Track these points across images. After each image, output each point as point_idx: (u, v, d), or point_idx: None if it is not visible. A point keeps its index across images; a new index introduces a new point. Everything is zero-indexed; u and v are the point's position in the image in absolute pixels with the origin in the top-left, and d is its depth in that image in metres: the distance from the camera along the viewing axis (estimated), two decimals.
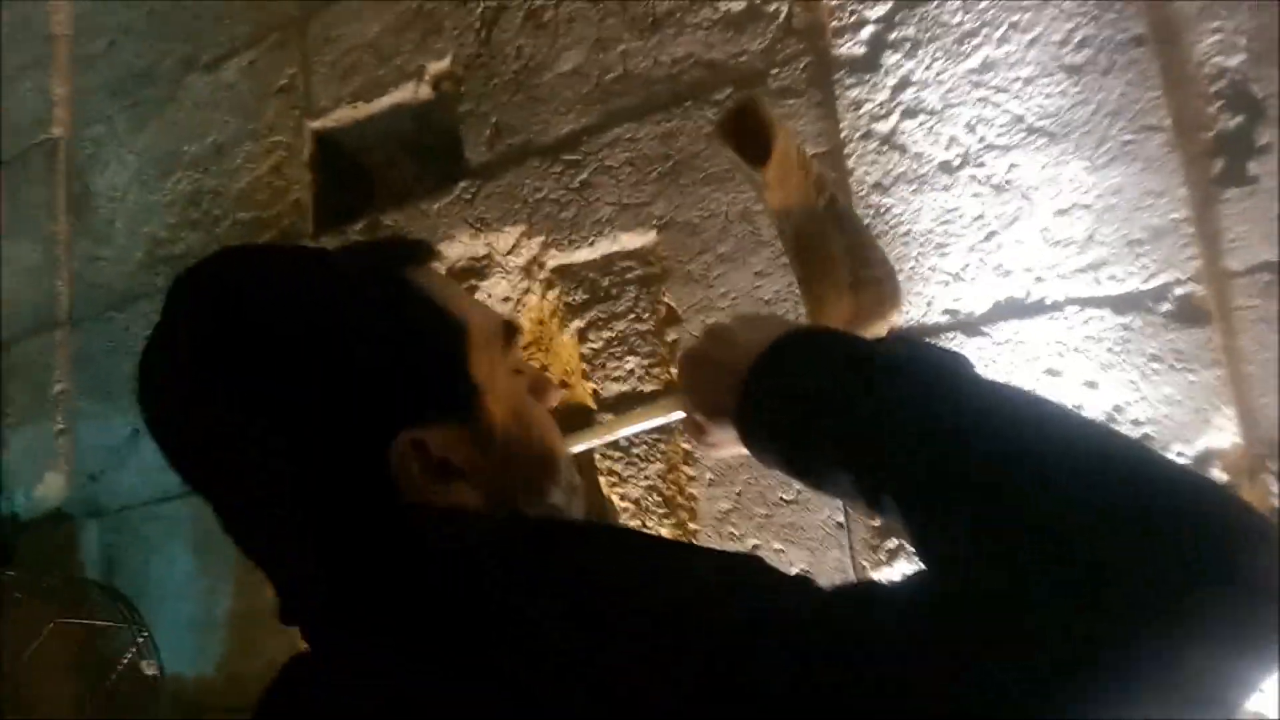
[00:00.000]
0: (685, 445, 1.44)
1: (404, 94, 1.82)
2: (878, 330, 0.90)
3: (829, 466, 0.64)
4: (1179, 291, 1.14)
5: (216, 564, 1.89)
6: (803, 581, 0.57)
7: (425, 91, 1.80)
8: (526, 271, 1.64)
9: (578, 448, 0.88)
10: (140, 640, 1.87)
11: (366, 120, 1.88)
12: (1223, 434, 1.12)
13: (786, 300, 1.38)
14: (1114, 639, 0.45)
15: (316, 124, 1.92)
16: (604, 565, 0.59)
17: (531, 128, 1.64)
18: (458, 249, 1.69)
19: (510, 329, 0.75)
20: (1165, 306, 1.14)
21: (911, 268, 1.28)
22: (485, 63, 1.71)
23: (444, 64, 1.76)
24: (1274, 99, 1.11)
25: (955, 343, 1.25)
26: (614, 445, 1.55)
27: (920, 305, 1.28)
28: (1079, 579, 0.47)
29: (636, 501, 1.51)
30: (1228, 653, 0.46)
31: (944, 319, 1.27)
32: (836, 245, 0.90)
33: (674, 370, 0.89)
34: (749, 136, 0.88)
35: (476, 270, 1.68)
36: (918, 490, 0.57)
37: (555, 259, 1.61)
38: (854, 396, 0.63)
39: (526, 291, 1.64)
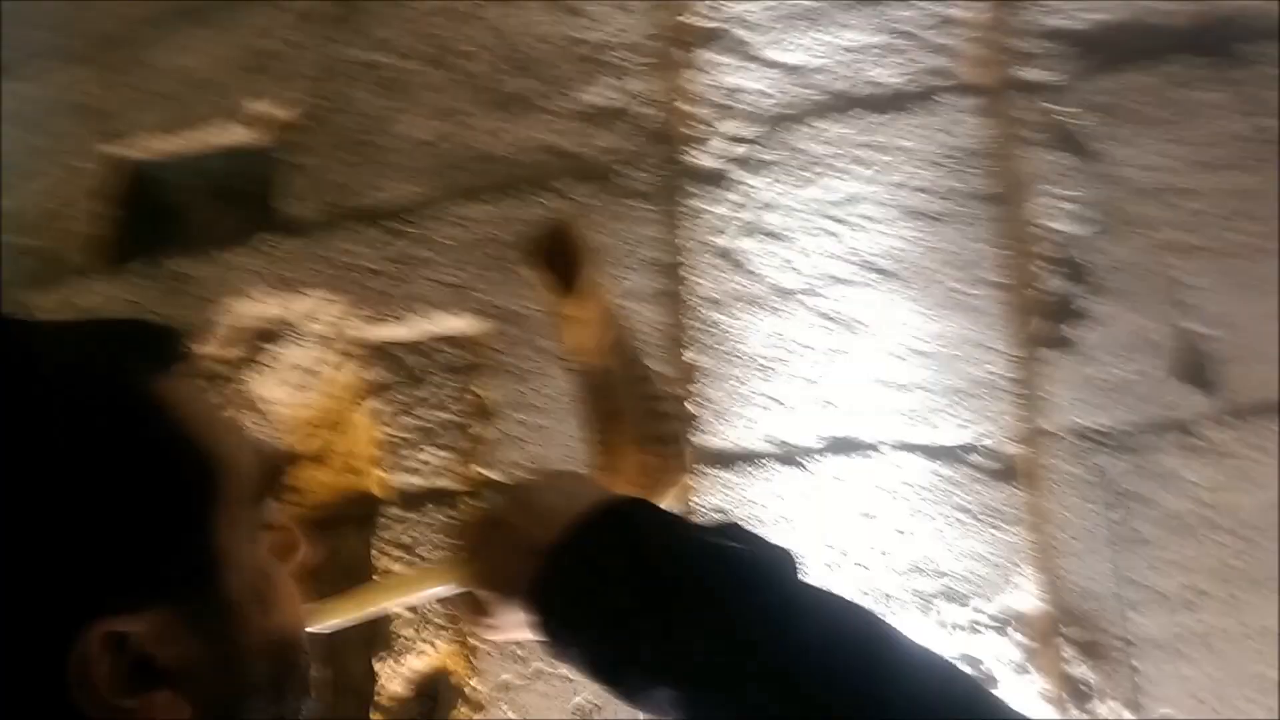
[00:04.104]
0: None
1: (220, 133, 1.73)
2: (665, 491, 0.89)
3: (646, 673, 0.59)
4: (991, 445, 1.19)
5: None
6: None
7: (244, 134, 1.71)
8: (326, 341, 1.55)
9: (327, 626, 0.75)
10: None
11: (175, 156, 1.77)
12: (1023, 594, 1.15)
13: None
14: None
15: (112, 150, 1.79)
16: None
17: (355, 188, 1.58)
18: (250, 306, 1.59)
19: (271, 469, 0.62)
20: (978, 459, 1.19)
21: (737, 389, 1.29)
22: (316, 113, 1.65)
23: (269, 108, 1.69)
24: (1102, 268, 1.19)
25: (773, 471, 1.26)
26: (396, 543, 1.46)
27: (742, 429, 1.28)
28: None
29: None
30: None
31: (765, 445, 1.27)
32: (628, 396, 0.89)
33: (457, 533, 0.81)
34: (558, 260, 0.87)
35: (269, 333, 1.57)
36: (756, 699, 0.55)
37: (360, 331, 1.53)
38: (688, 594, 0.59)
39: (323, 362, 1.55)
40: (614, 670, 0.61)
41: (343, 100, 1.63)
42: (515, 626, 0.69)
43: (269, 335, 1.57)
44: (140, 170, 1.81)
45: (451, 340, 1.49)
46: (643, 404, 0.90)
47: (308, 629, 0.63)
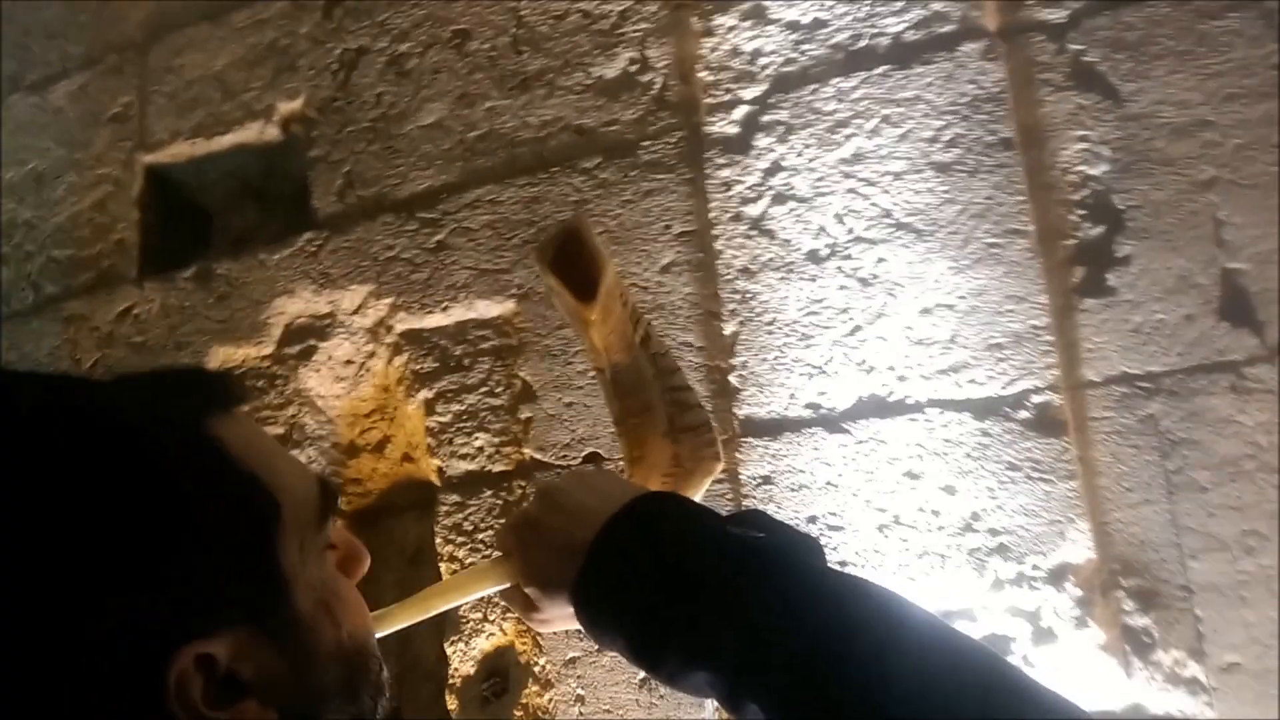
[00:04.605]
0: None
1: (249, 133, 1.76)
2: (700, 479, 0.90)
3: (682, 660, 0.63)
4: (1037, 400, 1.18)
5: None
6: None
7: (273, 133, 1.74)
8: (373, 334, 1.59)
9: (390, 630, 0.81)
10: None
11: (206, 158, 1.81)
12: (1077, 547, 1.15)
13: None
14: None
15: (150, 158, 1.84)
16: None
17: (387, 180, 1.61)
18: (298, 305, 1.63)
19: (328, 494, 0.65)
20: (1023, 414, 1.18)
21: (776, 358, 1.30)
22: (341, 107, 1.67)
23: (296, 105, 1.71)
24: (1135, 211, 1.17)
25: (817, 438, 1.27)
26: (456, 528, 1.50)
27: (783, 397, 1.29)
28: None
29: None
30: None
31: (806, 413, 1.28)
32: (655, 389, 0.90)
33: (499, 536, 0.86)
34: (572, 264, 0.87)
35: (317, 330, 1.62)
36: (783, 702, 0.58)
37: (405, 322, 1.56)
38: (712, 586, 0.63)
39: (371, 355, 1.59)
40: (652, 657, 0.66)
41: (366, 92, 1.65)
42: (563, 619, 0.74)
43: (319, 332, 1.62)
44: (176, 175, 1.86)
45: (492, 325, 1.51)
46: (670, 395, 0.91)
47: (376, 635, 0.69)
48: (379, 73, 1.65)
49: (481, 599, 1.45)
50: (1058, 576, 1.16)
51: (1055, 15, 1.21)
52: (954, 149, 1.24)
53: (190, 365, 1.56)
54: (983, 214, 1.22)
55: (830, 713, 0.57)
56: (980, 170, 1.22)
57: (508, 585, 0.81)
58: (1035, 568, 1.16)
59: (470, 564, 1.49)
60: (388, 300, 1.58)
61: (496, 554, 0.88)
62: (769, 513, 0.72)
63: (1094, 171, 1.19)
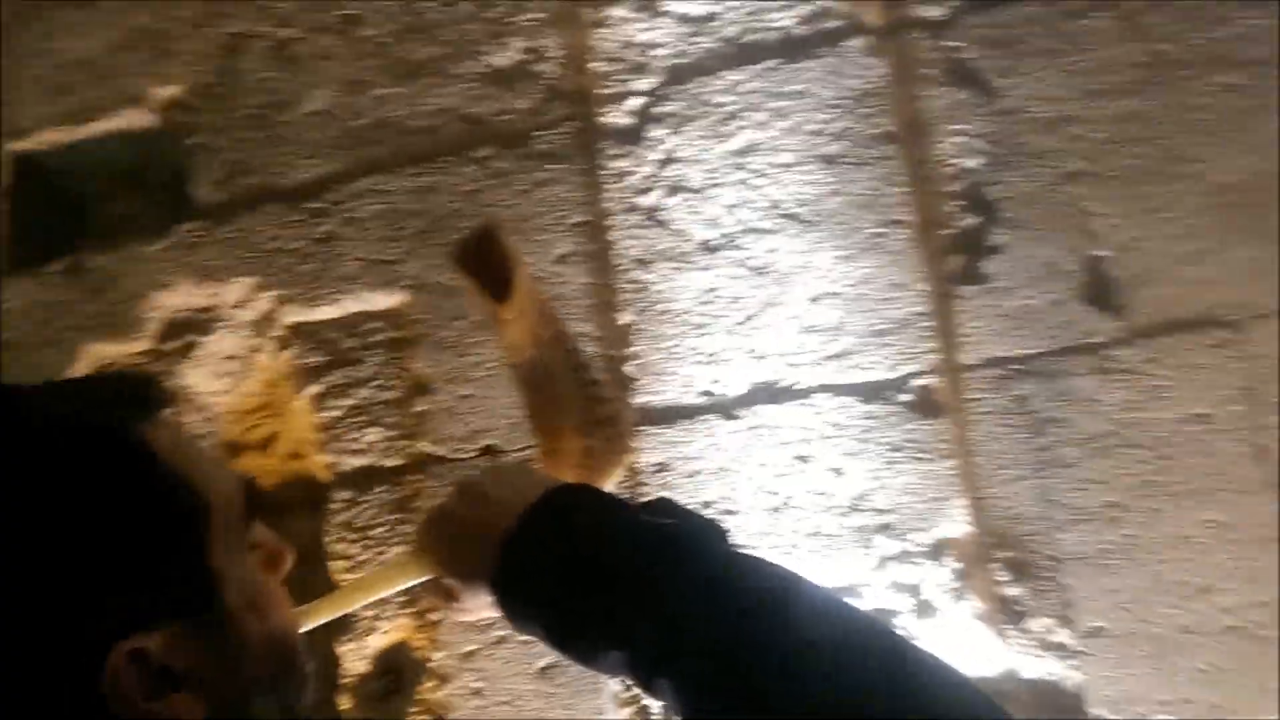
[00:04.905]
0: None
1: (125, 120, 1.70)
2: (611, 470, 0.93)
3: (598, 642, 0.67)
4: (918, 383, 1.23)
5: None
6: None
7: (150, 119, 1.68)
8: (258, 328, 1.56)
9: (313, 624, 0.84)
10: None
11: (78, 146, 1.74)
12: (955, 523, 1.21)
13: None
14: None
15: (17, 146, 1.76)
16: None
17: (271, 169, 1.57)
18: (177, 298, 1.58)
19: (251, 494, 0.69)
20: (906, 397, 1.24)
21: (671, 347, 1.32)
22: (222, 94, 1.62)
23: (174, 91, 1.66)
24: (1008, 202, 1.23)
25: (711, 425, 1.30)
26: (348, 525, 1.48)
27: (678, 386, 1.31)
28: None
29: (360, 577, 1.45)
30: None
31: (701, 400, 1.31)
32: (568, 384, 0.93)
33: (417, 529, 0.89)
34: (486, 265, 0.89)
35: (198, 324, 1.57)
36: (697, 684, 0.62)
37: (292, 315, 1.53)
38: (627, 576, 0.66)
39: (257, 350, 1.56)
40: (570, 643, 0.69)
41: (248, 78, 1.61)
42: (483, 607, 0.77)
43: (200, 327, 1.57)
44: (46, 164, 1.78)
45: (383, 317, 1.50)
46: (582, 390, 0.94)
47: (299, 630, 0.73)
48: (262, 58, 1.61)
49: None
50: (937, 551, 1.21)
51: (934, 13, 1.27)
52: (840, 142, 1.28)
53: (116, 371, 1.55)
54: (867, 205, 1.27)
55: (748, 694, 0.60)
56: (864, 163, 1.27)
57: (427, 578, 0.83)
58: (917, 544, 1.22)
59: (365, 561, 1.48)
60: (273, 293, 1.55)
61: (405, 549, 0.88)
62: (675, 500, 0.76)
63: (970, 164, 1.25)
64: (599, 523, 0.71)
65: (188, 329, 1.58)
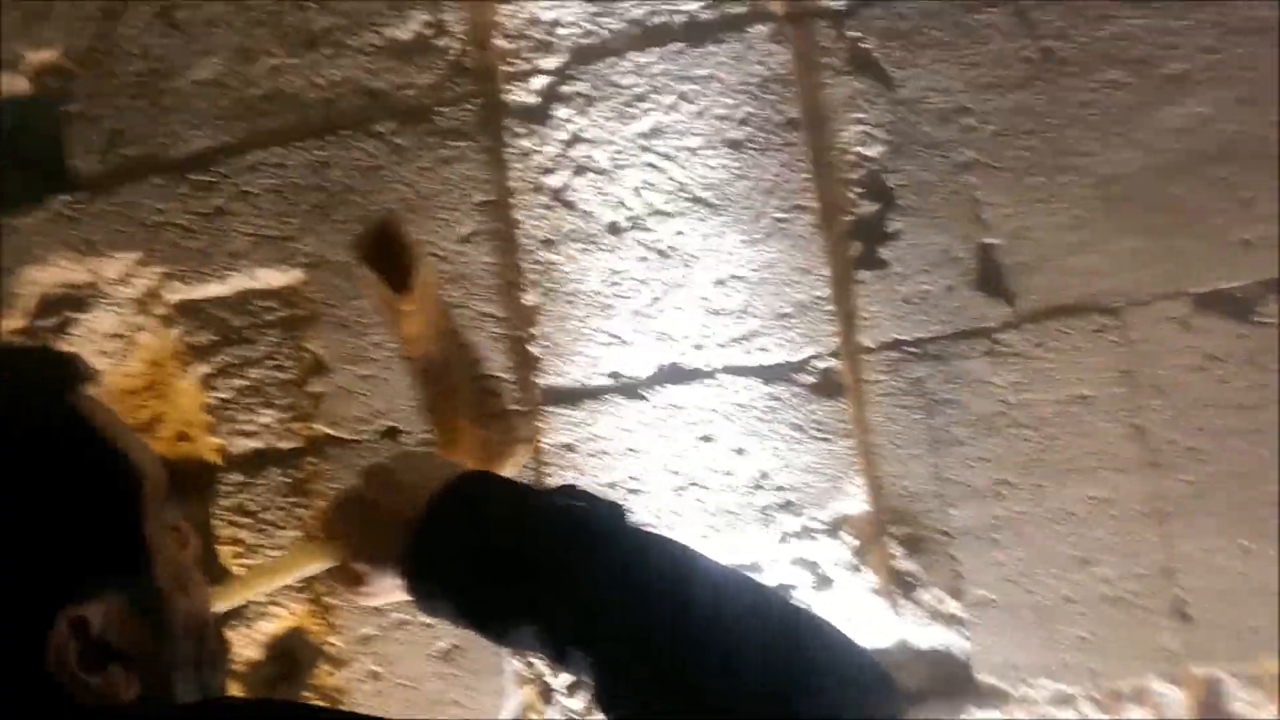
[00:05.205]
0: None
1: None
2: (510, 462, 0.95)
3: (510, 619, 0.69)
4: (820, 365, 1.27)
5: None
6: None
7: (21, 84, 1.59)
8: (141, 305, 1.50)
9: (222, 608, 0.85)
10: None
11: None
12: (853, 500, 1.25)
13: None
14: None
15: None
16: None
17: (156, 140, 1.51)
18: (54, 274, 1.51)
19: (169, 475, 0.70)
20: (808, 379, 1.27)
21: (577, 328, 1.33)
22: (103, 60, 1.55)
23: (49, 55, 1.57)
24: (905, 190, 1.28)
25: (617, 405, 1.31)
26: (239, 509, 1.45)
27: (585, 367, 1.32)
28: None
29: (260, 563, 1.41)
30: None
31: (607, 381, 1.32)
32: (463, 378, 0.94)
33: (317, 513, 0.90)
34: (385, 257, 0.89)
35: (76, 301, 1.50)
36: (614, 661, 0.65)
37: (178, 293, 1.48)
38: (542, 556, 0.68)
39: (140, 328, 1.50)
40: (480, 621, 0.71)
41: (133, 44, 1.54)
42: (389, 591, 0.79)
43: (78, 303, 1.51)
44: None
45: (278, 295, 1.46)
46: (475, 384, 0.95)
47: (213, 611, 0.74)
48: (146, 23, 1.54)
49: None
50: (836, 528, 1.26)
51: (836, 3, 1.30)
52: (745, 127, 1.31)
53: (40, 343, 1.48)
54: (771, 190, 1.29)
55: (662, 668, 0.63)
56: (769, 148, 1.30)
57: (334, 562, 0.83)
58: (816, 520, 1.26)
59: (257, 547, 1.44)
60: (158, 269, 1.49)
61: (311, 533, 0.87)
62: (579, 485, 0.79)
63: (869, 152, 1.29)
64: (512, 507, 0.72)
65: (65, 305, 1.51)
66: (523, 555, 0.70)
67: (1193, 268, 1.20)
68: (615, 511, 0.74)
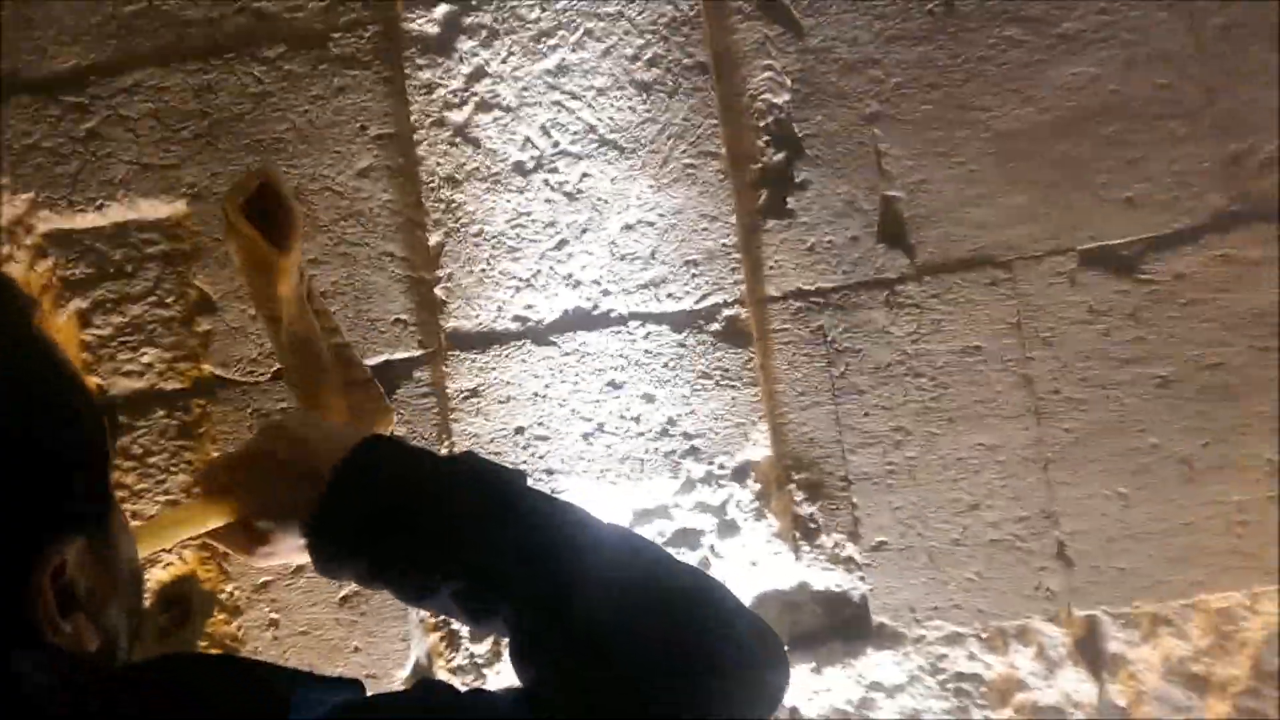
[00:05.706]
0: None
1: None
2: (375, 427, 0.93)
3: (426, 580, 0.69)
4: (727, 313, 1.29)
5: None
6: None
7: None
8: (10, 234, 1.40)
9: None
10: None
11: None
12: (757, 447, 1.29)
13: (345, 293, 1.33)
14: None
15: None
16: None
17: (21, 56, 1.40)
18: None
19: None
20: (715, 326, 1.29)
21: (483, 270, 1.31)
22: None
23: None
24: (812, 139, 1.29)
25: (524, 350, 1.30)
26: (123, 453, 1.39)
27: (491, 310, 1.30)
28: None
29: (151, 519, 1.37)
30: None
31: (514, 326, 1.30)
32: (324, 344, 0.92)
33: (212, 466, 0.86)
34: (262, 213, 0.86)
35: None
36: (532, 614, 0.67)
37: (49, 222, 1.39)
38: (454, 514, 0.70)
39: (8, 259, 1.40)
40: (394, 582, 0.72)
41: None
42: (289, 552, 0.78)
43: None
44: None
45: (160, 227, 1.39)
46: (336, 351, 0.93)
47: None
48: None
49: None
50: (741, 474, 1.29)
51: None
52: (654, 69, 1.29)
53: None
54: (680, 135, 1.29)
55: (575, 630, 0.65)
56: (678, 92, 1.29)
57: (233, 518, 0.80)
58: (722, 467, 1.28)
59: (143, 491, 1.39)
60: (26, 195, 1.39)
61: (207, 489, 0.84)
62: (477, 453, 0.81)
63: (777, 100, 1.30)
64: (422, 470, 0.73)
65: None
66: (440, 515, 0.70)
67: (1080, 224, 1.26)
68: (518, 476, 0.75)
